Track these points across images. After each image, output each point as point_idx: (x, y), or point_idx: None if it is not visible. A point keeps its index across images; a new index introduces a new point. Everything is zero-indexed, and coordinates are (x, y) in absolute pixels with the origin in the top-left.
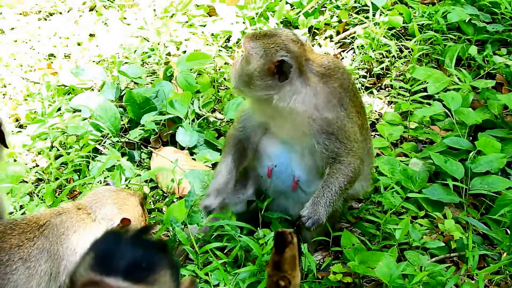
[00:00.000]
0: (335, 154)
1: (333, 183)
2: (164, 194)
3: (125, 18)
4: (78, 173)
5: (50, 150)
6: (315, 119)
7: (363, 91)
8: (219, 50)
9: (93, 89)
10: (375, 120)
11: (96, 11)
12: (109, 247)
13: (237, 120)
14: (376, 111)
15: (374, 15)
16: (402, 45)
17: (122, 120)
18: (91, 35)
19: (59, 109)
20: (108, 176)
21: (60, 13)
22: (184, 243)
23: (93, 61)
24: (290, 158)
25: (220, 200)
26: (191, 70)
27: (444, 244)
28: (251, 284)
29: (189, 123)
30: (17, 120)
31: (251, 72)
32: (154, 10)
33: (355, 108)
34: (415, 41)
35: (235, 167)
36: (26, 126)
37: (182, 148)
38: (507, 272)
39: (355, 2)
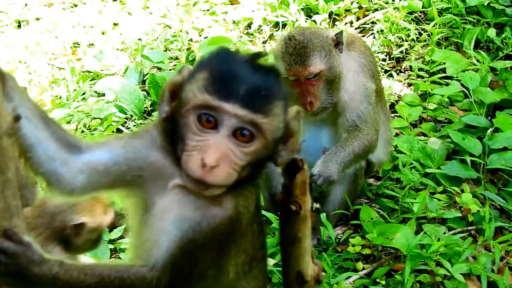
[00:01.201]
0: (361, 123)
1: (348, 145)
2: None
3: (148, 7)
4: None
5: (75, 132)
6: (359, 89)
7: (383, 74)
8: (240, 36)
9: (116, 75)
10: (394, 102)
11: (120, 1)
12: (227, 69)
13: None
14: (395, 93)
15: (393, 0)
16: (422, 29)
17: (145, 103)
18: (114, 24)
19: (83, 94)
20: None
21: (84, 3)
22: None
23: (117, 48)
24: (320, 130)
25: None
26: None
27: (460, 215)
28: (269, 255)
29: None
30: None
31: None
32: None
33: (378, 77)
34: (434, 25)
35: None
36: (51, 111)
37: None
38: None
39: None
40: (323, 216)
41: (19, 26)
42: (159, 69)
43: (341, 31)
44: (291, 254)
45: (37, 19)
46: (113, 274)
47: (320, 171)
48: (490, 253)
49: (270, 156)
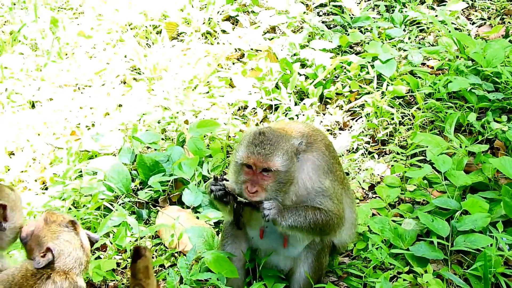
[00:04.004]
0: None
1: (303, 211)
2: (166, 250)
3: (152, 90)
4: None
5: (69, 210)
6: (313, 190)
7: (366, 156)
8: (233, 118)
9: (115, 155)
10: (375, 183)
11: (127, 84)
12: None
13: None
14: (378, 175)
15: (381, 85)
16: (408, 113)
17: (134, 181)
18: (119, 105)
19: (80, 172)
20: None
21: (90, 86)
22: None
23: (118, 129)
24: None
25: (223, 187)
26: (204, 136)
27: None
28: None
29: (196, 185)
30: (43, 183)
31: None
32: (184, 81)
33: (338, 168)
34: (416, 109)
35: None
36: (49, 188)
37: (189, 208)
38: None
39: (366, 73)
40: None
41: (33, 106)
42: (155, 149)
43: (302, 141)
44: None
45: (49, 99)
46: None
47: (276, 207)
48: None
49: None
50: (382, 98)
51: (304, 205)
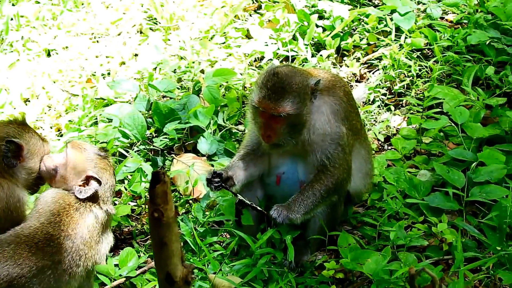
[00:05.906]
0: (329, 163)
1: (312, 189)
2: (180, 197)
3: (168, 40)
4: None
5: None
6: (329, 133)
7: (383, 108)
8: (250, 68)
9: (130, 102)
10: (391, 135)
11: (142, 33)
12: None
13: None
14: (394, 127)
15: (399, 38)
16: (425, 66)
17: (150, 129)
18: (135, 54)
19: (95, 119)
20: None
21: (106, 35)
22: (187, 235)
23: (133, 78)
24: (296, 164)
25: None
26: (220, 86)
27: (428, 244)
28: (245, 273)
29: (211, 133)
30: (58, 130)
31: None
32: (200, 31)
33: (355, 118)
34: (433, 62)
35: (248, 162)
36: (64, 135)
37: (204, 156)
38: (494, 272)
39: (384, 26)
40: (287, 238)
41: (49, 54)
42: (170, 98)
43: (319, 80)
44: (159, 256)
45: (65, 48)
46: None
47: (283, 208)
48: (456, 280)
49: None
50: (400, 50)
51: (306, 184)
